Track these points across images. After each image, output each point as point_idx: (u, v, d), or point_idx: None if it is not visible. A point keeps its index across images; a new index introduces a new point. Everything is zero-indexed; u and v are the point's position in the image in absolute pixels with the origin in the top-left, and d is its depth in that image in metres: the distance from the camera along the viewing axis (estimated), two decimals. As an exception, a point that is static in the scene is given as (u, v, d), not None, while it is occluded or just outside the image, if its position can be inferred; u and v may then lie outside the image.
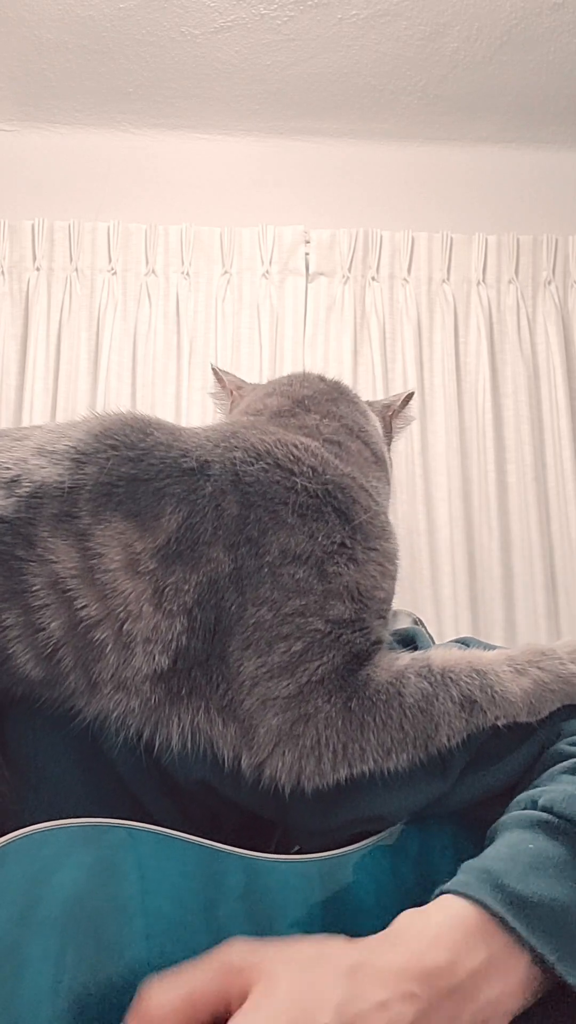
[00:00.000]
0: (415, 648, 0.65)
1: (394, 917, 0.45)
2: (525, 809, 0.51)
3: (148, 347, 1.88)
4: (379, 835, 0.57)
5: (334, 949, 0.43)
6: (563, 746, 0.56)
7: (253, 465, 0.61)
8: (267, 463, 0.62)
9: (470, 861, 0.48)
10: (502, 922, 0.43)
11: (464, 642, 0.66)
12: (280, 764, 0.55)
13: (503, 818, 0.52)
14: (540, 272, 2.00)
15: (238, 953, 0.42)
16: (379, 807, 0.57)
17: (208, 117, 1.99)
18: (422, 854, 0.58)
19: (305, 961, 0.41)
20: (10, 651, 0.55)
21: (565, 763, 0.54)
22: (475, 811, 0.59)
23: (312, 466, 0.64)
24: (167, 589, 0.56)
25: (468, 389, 1.93)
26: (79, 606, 0.55)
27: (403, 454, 1.84)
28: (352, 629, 0.58)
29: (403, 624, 0.75)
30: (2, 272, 1.90)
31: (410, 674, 0.57)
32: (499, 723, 0.57)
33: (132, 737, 0.57)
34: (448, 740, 0.56)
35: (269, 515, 0.59)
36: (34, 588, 0.55)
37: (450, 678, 0.57)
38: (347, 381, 1.57)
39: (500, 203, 2.06)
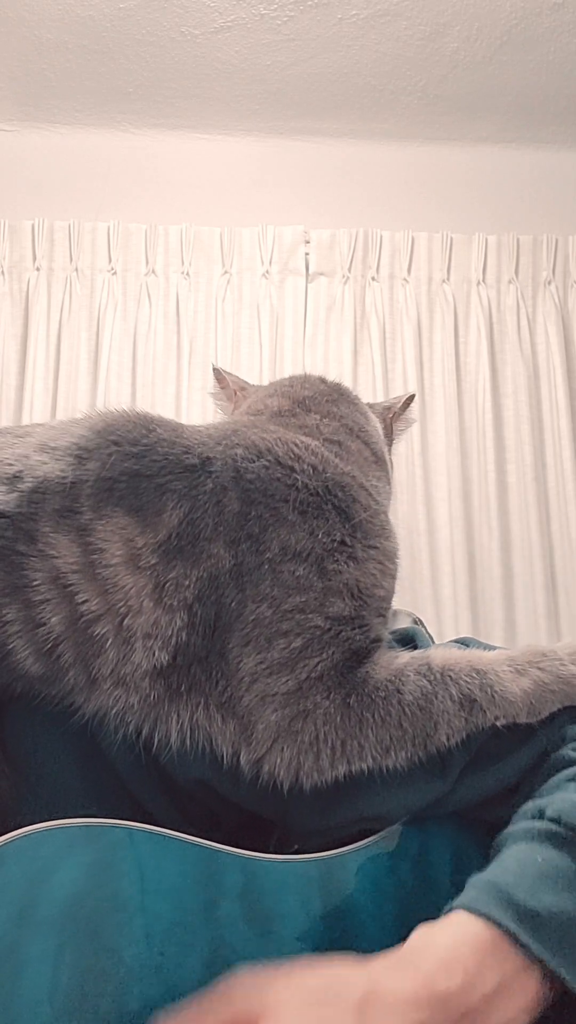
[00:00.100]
0: (415, 647, 0.65)
1: (393, 917, 0.45)
2: (532, 819, 0.50)
3: (148, 347, 1.88)
4: (378, 835, 0.57)
5: (342, 979, 0.42)
6: (569, 752, 0.56)
7: (254, 462, 0.61)
8: (268, 460, 0.62)
9: (479, 875, 0.48)
10: (514, 939, 0.43)
11: (464, 642, 0.66)
12: (279, 760, 0.55)
13: (509, 828, 0.52)
14: (540, 272, 2.00)
15: (245, 988, 0.42)
16: (378, 806, 0.57)
17: (208, 117, 1.99)
18: (421, 854, 0.58)
19: (313, 994, 0.41)
20: (10, 646, 0.55)
21: (570, 770, 0.54)
22: (475, 811, 0.59)
23: (313, 464, 0.64)
24: (168, 584, 0.56)
25: (468, 389, 1.93)
26: (80, 601, 0.55)
27: (403, 454, 1.84)
28: (352, 626, 0.58)
29: (403, 624, 0.74)
30: (2, 272, 1.90)
31: (409, 672, 0.57)
32: (499, 723, 0.56)
33: (131, 734, 0.57)
34: (447, 739, 0.56)
35: (270, 512, 0.59)
36: (35, 583, 0.55)
37: (450, 677, 0.57)
38: (347, 381, 1.57)
39: (500, 203, 2.06)
